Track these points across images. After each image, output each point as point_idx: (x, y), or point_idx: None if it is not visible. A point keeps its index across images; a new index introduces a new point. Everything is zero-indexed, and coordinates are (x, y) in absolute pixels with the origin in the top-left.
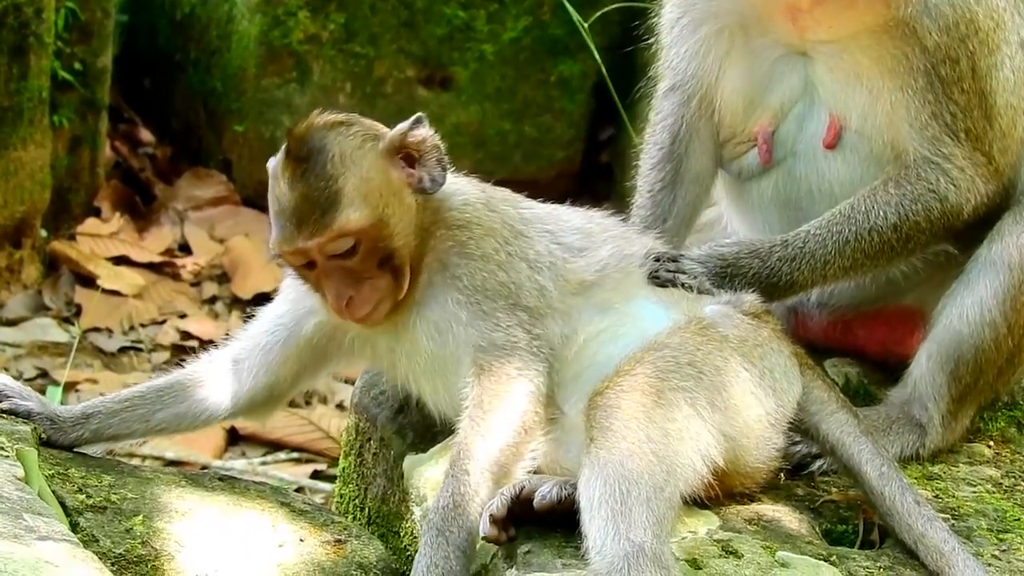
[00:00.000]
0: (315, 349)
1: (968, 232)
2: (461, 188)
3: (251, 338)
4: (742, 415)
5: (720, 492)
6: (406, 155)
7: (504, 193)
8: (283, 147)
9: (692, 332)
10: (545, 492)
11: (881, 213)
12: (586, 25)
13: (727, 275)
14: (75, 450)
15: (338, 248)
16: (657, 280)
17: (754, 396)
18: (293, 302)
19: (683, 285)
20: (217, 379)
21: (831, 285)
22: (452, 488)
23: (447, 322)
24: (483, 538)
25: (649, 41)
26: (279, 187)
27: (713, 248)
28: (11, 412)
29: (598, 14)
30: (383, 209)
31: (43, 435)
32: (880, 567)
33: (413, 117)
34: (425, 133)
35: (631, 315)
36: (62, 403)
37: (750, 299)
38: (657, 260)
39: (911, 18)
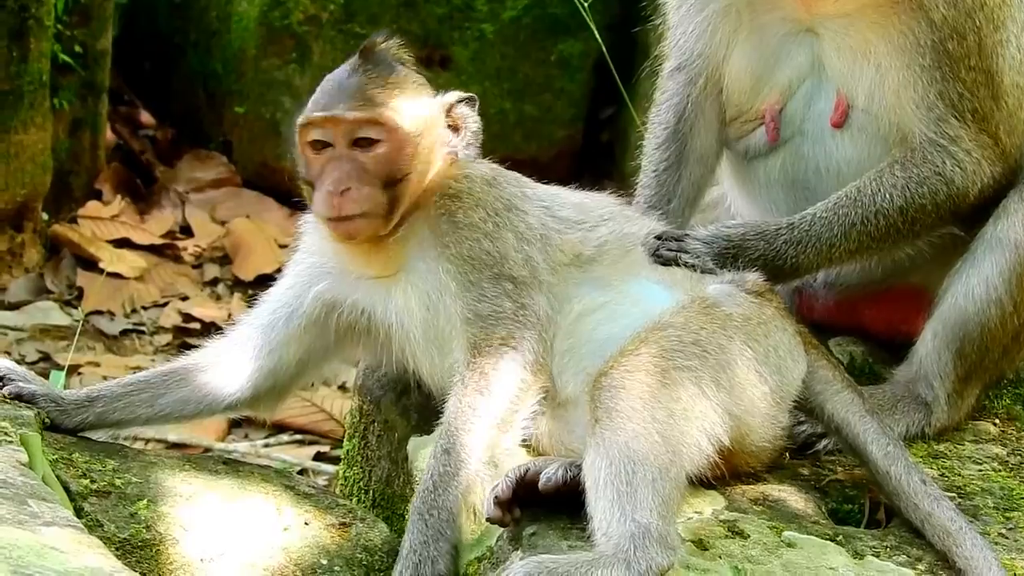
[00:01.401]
0: (316, 325)
1: (974, 212)
2: (472, 165)
3: (253, 319)
4: (747, 394)
5: (726, 471)
6: (452, 123)
7: (514, 175)
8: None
9: (696, 311)
10: (550, 474)
11: (887, 196)
12: (586, 4)
13: (732, 256)
14: (79, 435)
15: (366, 132)
16: (659, 259)
17: (759, 374)
18: (294, 277)
19: (685, 264)
20: (221, 363)
21: (836, 268)
22: (432, 470)
23: (438, 292)
24: (487, 520)
25: (651, 20)
26: (336, 71)
27: (719, 229)
28: (16, 396)
29: None
30: (417, 136)
31: (47, 419)
32: (887, 546)
33: (468, 95)
34: (473, 113)
35: (631, 294)
36: (65, 387)
37: (753, 278)
38: (660, 239)
39: None
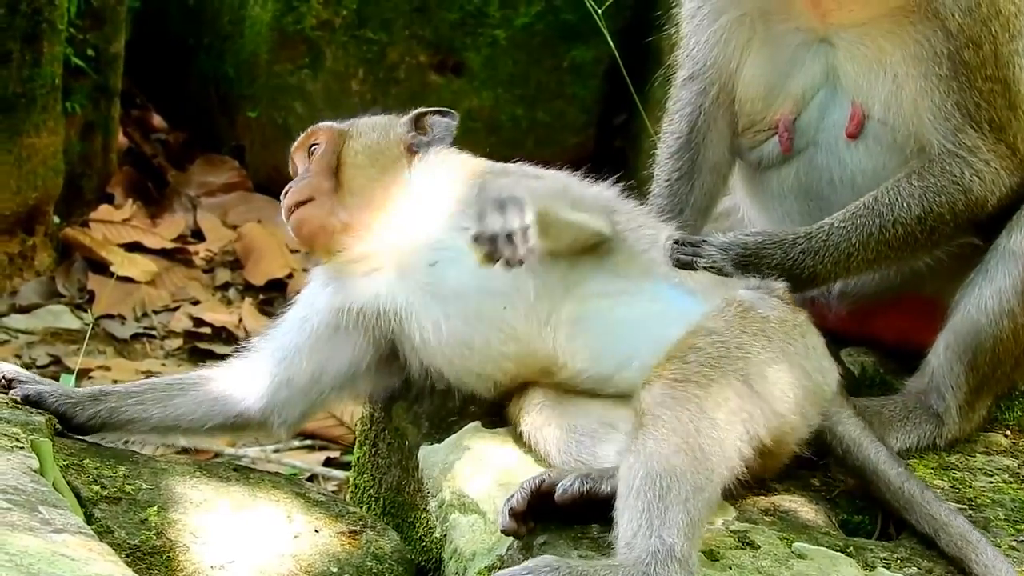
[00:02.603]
0: (328, 328)
1: (992, 222)
2: (451, 160)
3: (268, 336)
4: (790, 394)
5: (760, 471)
6: (420, 129)
7: (504, 166)
8: None
9: (734, 315)
10: (566, 485)
11: (905, 205)
12: (599, 10)
13: (748, 264)
14: (90, 438)
15: (312, 142)
16: (676, 263)
17: (800, 374)
18: (309, 294)
19: (703, 269)
20: (236, 373)
21: (854, 278)
22: None
23: None
24: (502, 531)
25: (664, 27)
26: None
27: (736, 236)
28: (24, 398)
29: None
30: (355, 133)
31: (60, 410)
32: (897, 558)
33: (439, 108)
34: (443, 120)
35: (648, 290)
36: None
37: (779, 286)
38: (677, 243)
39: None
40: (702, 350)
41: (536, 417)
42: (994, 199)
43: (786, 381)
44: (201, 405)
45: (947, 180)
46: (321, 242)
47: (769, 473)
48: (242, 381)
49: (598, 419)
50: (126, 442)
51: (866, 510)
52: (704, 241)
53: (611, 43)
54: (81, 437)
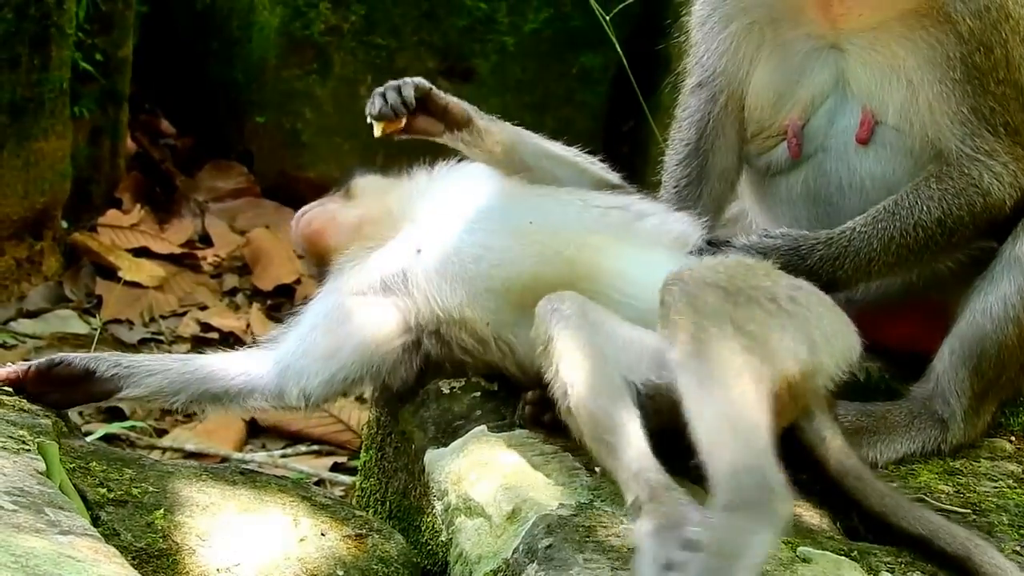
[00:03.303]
0: (344, 308)
1: (1009, 224)
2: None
3: (285, 328)
4: (821, 324)
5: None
6: None
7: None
8: None
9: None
10: None
11: (925, 208)
12: (607, 17)
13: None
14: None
15: None
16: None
17: (826, 309)
18: (325, 288)
19: None
20: (254, 352)
21: (875, 282)
22: None
23: None
24: None
25: (673, 35)
26: None
27: (759, 239)
28: (49, 362)
29: (620, 6)
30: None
31: (81, 363)
32: (901, 562)
33: None
34: None
35: (653, 262)
36: None
37: None
38: (708, 244)
39: (944, 2)
40: (728, 269)
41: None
42: (1012, 201)
43: (816, 310)
44: (220, 367)
45: (966, 183)
46: (329, 237)
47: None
48: (259, 355)
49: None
50: (130, 445)
51: None
52: (728, 241)
53: (619, 50)
54: (88, 440)
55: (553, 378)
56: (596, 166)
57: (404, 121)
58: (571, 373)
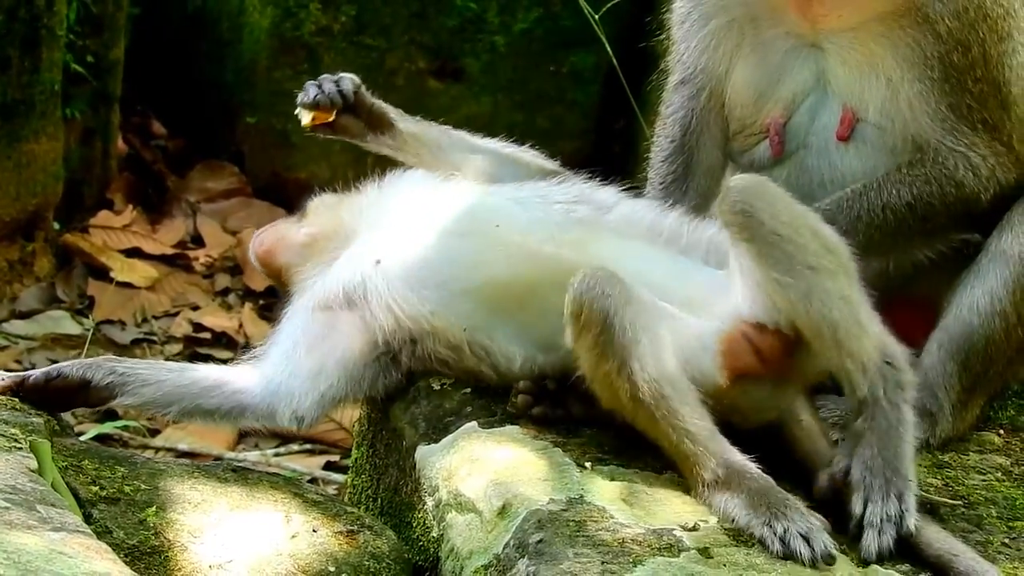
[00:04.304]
0: (319, 321)
1: (991, 221)
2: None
3: (268, 343)
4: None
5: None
6: None
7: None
8: None
9: None
10: None
11: (895, 192)
12: (597, 16)
13: None
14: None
15: None
16: None
17: None
18: (297, 302)
19: None
20: (243, 369)
21: None
22: None
23: None
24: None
25: (660, 35)
26: None
27: None
28: (46, 375)
29: (609, 5)
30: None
31: (76, 372)
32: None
33: None
34: None
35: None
36: None
37: None
38: None
39: (923, 3)
40: None
41: None
42: (988, 195)
43: None
44: (211, 377)
45: (939, 172)
46: (280, 255)
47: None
48: (251, 373)
49: None
50: (123, 444)
51: None
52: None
53: (609, 49)
54: (80, 439)
55: (608, 363)
56: (529, 154)
57: (334, 114)
58: (637, 354)
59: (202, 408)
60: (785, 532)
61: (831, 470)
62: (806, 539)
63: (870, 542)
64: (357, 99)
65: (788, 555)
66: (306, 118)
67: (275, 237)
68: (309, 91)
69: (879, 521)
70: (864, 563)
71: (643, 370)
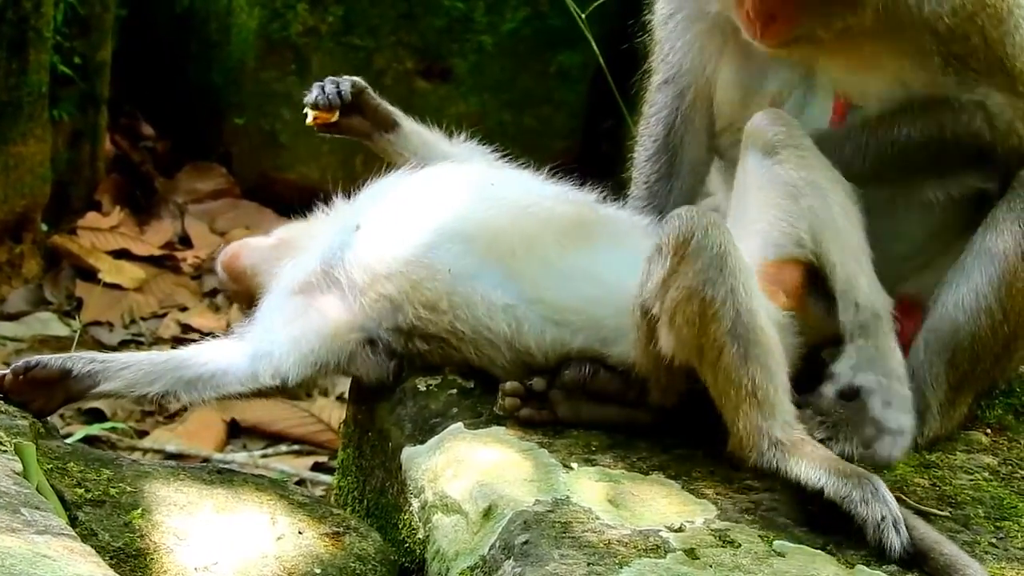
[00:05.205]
0: (298, 295)
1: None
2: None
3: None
4: None
5: None
6: None
7: None
8: None
9: None
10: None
11: (904, 128)
12: (584, 16)
13: None
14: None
15: None
16: None
17: None
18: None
19: None
20: (224, 343)
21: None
22: None
23: None
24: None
25: (644, 35)
26: None
27: None
28: (26, 366)
29: (596, 4)
30: None
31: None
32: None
33: None
34: None
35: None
36: None
37: None
38: None
39: (919, 6)
40: None
41: None
42: (1006, 145)
43: None
44: (192, 358)
45: (950, 117)
46: (244, 257)
47: None
48: (230, 343)
49: None
50: (110, 446)
51: None
52: None
53: (596, 49)
54: (66, 441)
55: (712, 292)
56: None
57: (336, 115)
58: (747, 286)
59: (183, 379)
60: (883, 519)
61: (837, 385)
62: (896, 528)
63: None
64: (362, 100)
65: (879, 543)
66: (309, 117)
67: (239, 243)
68: (312, 92)
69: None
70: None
71: (749, 300)
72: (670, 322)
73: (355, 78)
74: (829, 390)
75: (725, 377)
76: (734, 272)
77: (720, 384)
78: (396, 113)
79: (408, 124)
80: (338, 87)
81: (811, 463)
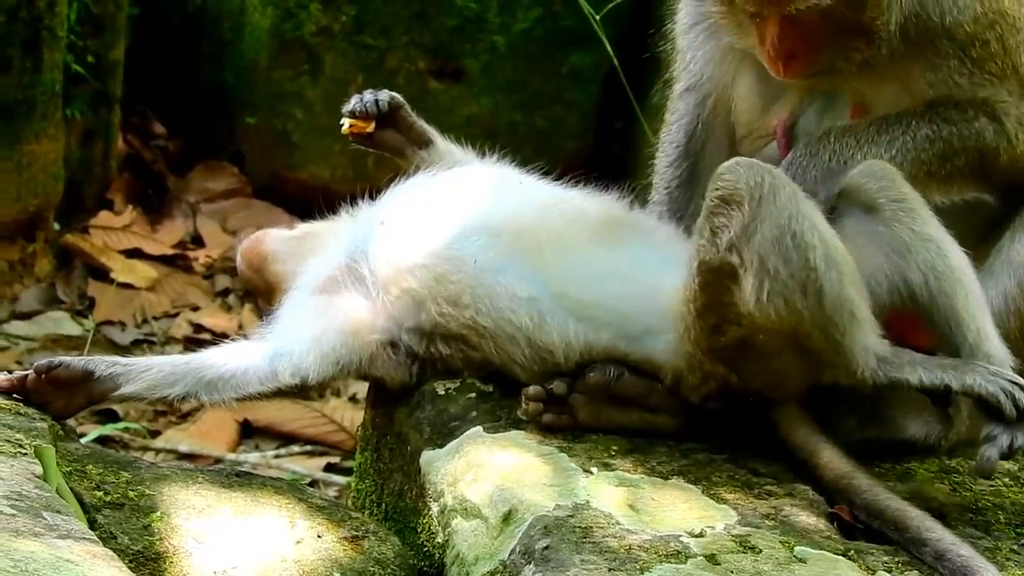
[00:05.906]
0: (321, 293)
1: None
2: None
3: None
4: None
5: None
6: None
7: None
8: None
9: None
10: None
11: (913, 123)
12: (597, 16)
13: None
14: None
15: None
16: None
17: None
18: (297, 285)
19: None
20: (244, 344)
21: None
22: None
23: None
24: None
25: (662, 37)
26: None
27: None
28: (48, 365)
29: (610, 5)
30: None
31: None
32: (899, 561)
33: None
34: None
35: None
36: None
37: None
38: None
39: (940, 16)
40: None
41: None
42: (1007, 156)
43: None
44: (212, 359)
45: (959, 116)
46: (266, 244)
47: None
48: (251, 344)
49: None
50: (124, 447)
51: None
52: None
53: (609, 49)
54: (82, 442)
55: (791, 235)
56: None
57: (372, 126)
58: (821, 224)
59: (205, 379)
60: (1009, 389)
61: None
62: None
63: None
64: (398, 116)
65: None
66: (345, 125)
67: (260, 232)
68: (351, 101)
69: None
70: None
71: (827, 228)
72: (761, 266)
73: (393, 93)
74: (993, 453)
75: (829, 304)
76: (808, 204)
77: (818, 318)
78: (431, 131)
79: (442, 143)
80: (376, 98)
81: (923, 368)
